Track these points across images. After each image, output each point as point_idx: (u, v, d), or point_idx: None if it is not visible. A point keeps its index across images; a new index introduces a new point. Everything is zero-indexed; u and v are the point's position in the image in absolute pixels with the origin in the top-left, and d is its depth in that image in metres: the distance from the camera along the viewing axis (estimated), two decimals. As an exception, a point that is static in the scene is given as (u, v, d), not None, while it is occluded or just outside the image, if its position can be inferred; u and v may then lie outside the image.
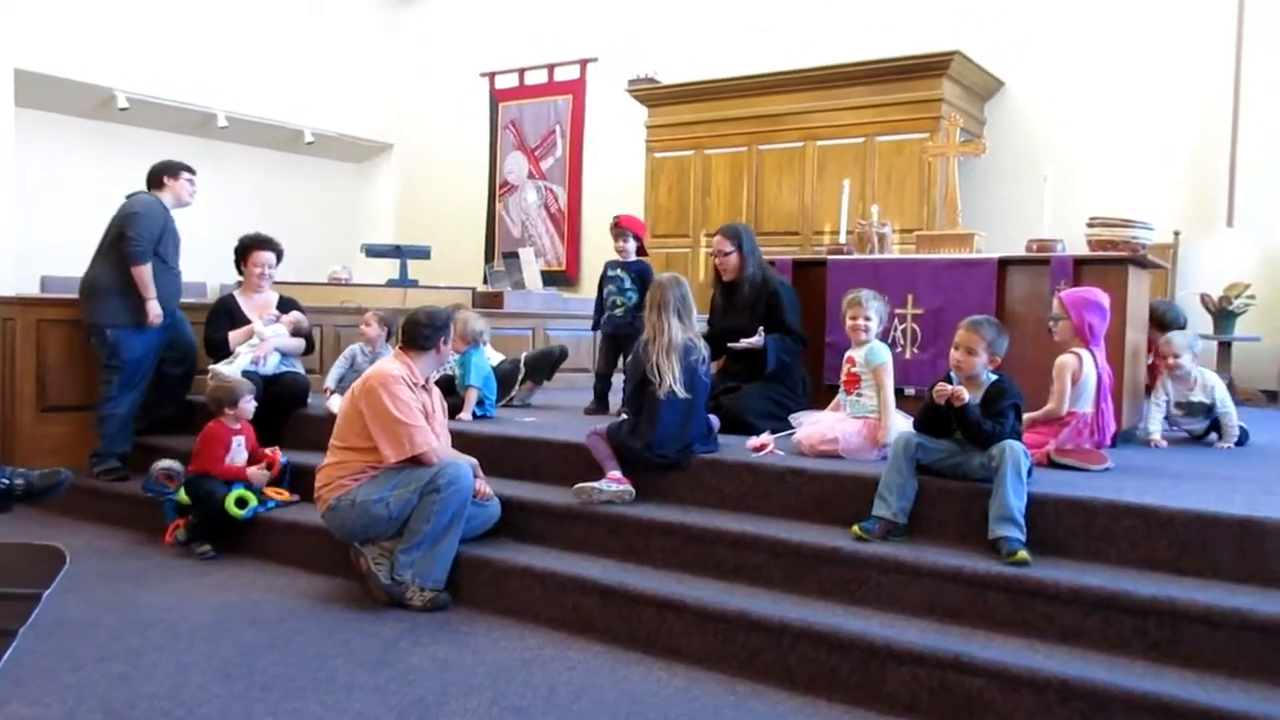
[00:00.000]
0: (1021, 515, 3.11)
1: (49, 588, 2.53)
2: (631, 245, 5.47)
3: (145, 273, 5.13)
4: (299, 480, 4.62)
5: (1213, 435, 4.72)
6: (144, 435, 5.45)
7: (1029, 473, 3.22)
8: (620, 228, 5.49)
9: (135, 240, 5.09)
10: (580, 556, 3.72)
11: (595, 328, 5.70)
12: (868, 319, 4.04)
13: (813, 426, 4.03)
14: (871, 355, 3.99)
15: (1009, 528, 3.08)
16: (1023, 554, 3.01)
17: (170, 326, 5.37)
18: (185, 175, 5.43)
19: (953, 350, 3.49)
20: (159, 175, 5.40)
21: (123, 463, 5.27)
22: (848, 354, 4.11)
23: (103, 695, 2.84)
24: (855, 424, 3.97)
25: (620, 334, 5.41)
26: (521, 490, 4.13)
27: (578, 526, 3.85)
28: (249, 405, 4.62)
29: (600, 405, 5.45)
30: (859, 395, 4.04)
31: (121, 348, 5.16)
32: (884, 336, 4.34)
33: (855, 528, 3.33)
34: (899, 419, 3.89)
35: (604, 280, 5.55)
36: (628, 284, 5.41)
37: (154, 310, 5.15)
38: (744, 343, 4.73)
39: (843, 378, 4.11)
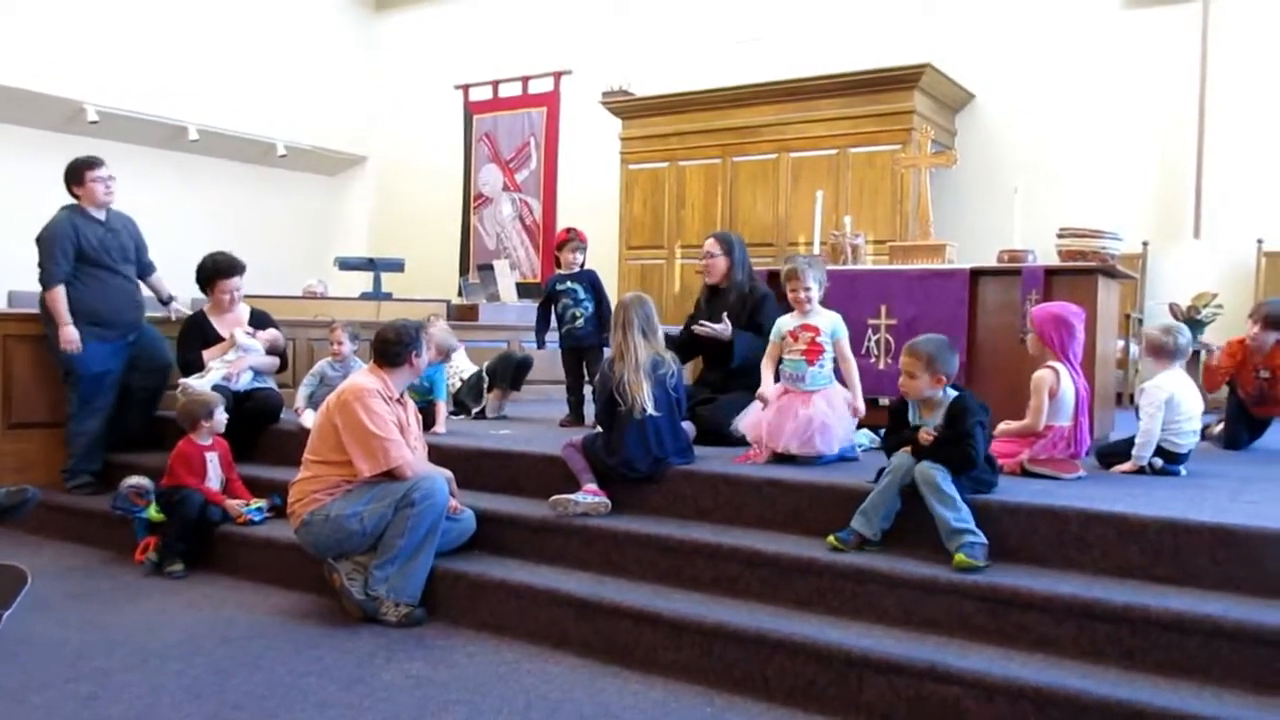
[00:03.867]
0: (963, 523, 3.11)
1: (9, 608, 2.49)
2: (581, 257, 5.46)
3: (52, 298, 4.99)
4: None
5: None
6: (112, 452, 5.36)
7: (965, 480, 3.23)
8: (580, 240, 5.47)
9: (40, 267, 5.00)
10: (556, 569, 3.71)
11: (540, 345, 5.67)
12: (808, 289, 4.08)
13: (793, 423, 3.96)
14: (838, 329, 4.06)
15: (956, 539, 3.09)
16: (961, 556, 3.02)
17: (134, 343, 5.28)
18: (90, 176, 5.09)
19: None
20: (68, 186, 5.15)
21: (95, 478, 5.20)
22: (801, 323, 4.09)
23: (70, 716, 2.80)
24: (821, 404, 3.99)
25: (582, 346, 5.41)
26: (497, 503, 4.11)
27: (553, 539, 3.83)
28: (221, 417, 4.56)
29: (575, 417, 5.43)
30: (821, 366, 4.06)
31: (76, 362, 5.07)
32: (857, 347, 4.36)
33: (831, 538, 3.33)
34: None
35: (553, 296, 5.46)
36: (582, 294, 5.38)
37: (65, 336, 4.97)
38: (708, 328, 4.68)
39: (801, 348, 4.07)
